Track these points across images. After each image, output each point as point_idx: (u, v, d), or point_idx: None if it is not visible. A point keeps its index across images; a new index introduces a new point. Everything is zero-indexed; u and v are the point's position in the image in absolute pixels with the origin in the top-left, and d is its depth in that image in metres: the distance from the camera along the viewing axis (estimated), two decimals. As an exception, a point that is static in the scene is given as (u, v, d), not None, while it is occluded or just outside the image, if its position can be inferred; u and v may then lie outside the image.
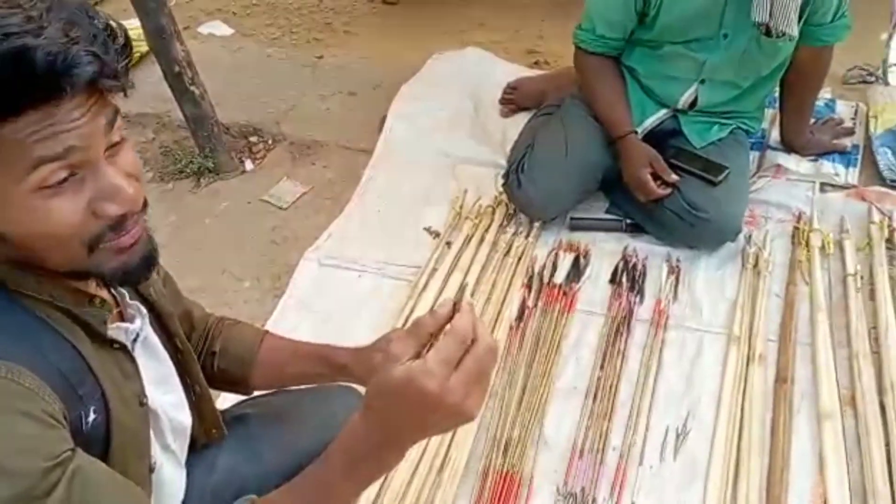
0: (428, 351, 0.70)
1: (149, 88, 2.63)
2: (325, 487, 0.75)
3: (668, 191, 1.91)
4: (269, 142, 2.55)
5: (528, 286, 1.96)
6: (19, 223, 0.67)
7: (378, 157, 2.40)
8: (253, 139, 2.56)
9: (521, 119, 2.40)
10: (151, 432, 0.90)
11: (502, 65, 2.73)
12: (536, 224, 2.10)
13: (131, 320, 0.87)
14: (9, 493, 0.63)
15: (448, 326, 0.68)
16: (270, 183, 2.37)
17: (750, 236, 2.01)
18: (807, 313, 1.84)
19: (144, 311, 0.90)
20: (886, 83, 2.48)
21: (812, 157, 2.19)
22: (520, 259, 2.03)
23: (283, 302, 1.97)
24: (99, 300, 0.80)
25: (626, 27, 1.91)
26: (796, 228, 2.04)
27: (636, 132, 1.98)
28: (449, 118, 2.51)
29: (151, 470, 0.90)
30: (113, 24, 0.69)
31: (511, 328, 1.86)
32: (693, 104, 2.01)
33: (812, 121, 2.23)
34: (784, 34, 1.75)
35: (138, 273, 0.76)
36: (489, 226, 2.14)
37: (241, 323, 1.20)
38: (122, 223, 0.72)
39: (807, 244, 1.98)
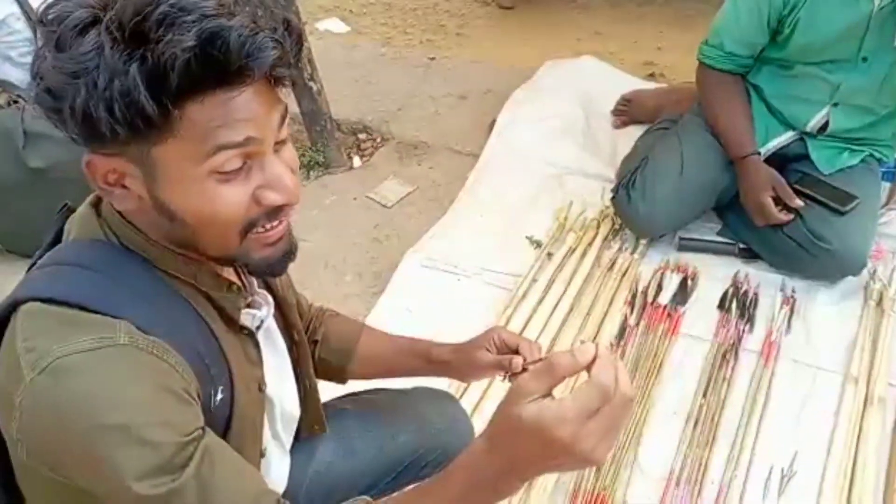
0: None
1: (267, 81, 2.71)
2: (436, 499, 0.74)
3: (790, 217, 1.83)
4: (378, 140, 2.58)
5: (631, 304, 1.91)
6: (191, 203, 0.70)
7: (485, 162, 2.39)
8: (362, 136, 2.60)
9: (633, 132, 2.35)
10: (266, 418, 0.92)
11: (617, 75, 2.68)
12: (643, 241, 2.05)
13: (258, 308, 0.89)
14: (148, 464, 0.66)
15: (588, 374, 0.64)
16: (376, 181, 2.41)
17: (875, 271, 1.90)
18: (934, 358, 1.72)
19: (271, 300, 0.92)
20: None
21: (949, 192, 2.06)
22: (623, 276, 1.98)
23: (382, 300, 1.99)
24: (236, 287, 0.83)
25: (757, 45, 1.85)
26: (927, 267, 1.91)
27: (759, 153, 1.89)
28: (559, 127, 2.47)
29: (262, 455, 0.93)
30: (290, 18, 0.71)
31: (611, 346, 1.81)
32: (823, 128, 1.91)
33: (952, 153, 2.09)
34: None
35: (279, 267, 0.80)
36: (593, 239, 2.09)
37: (341, 315, 1.22)
38: (277, 213, 0.74)
39: (938, 285, 1.86)
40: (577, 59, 2.75)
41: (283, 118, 0.73)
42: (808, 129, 1.92)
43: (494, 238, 2.14)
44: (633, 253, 2.03)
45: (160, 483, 0.66)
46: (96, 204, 0.78)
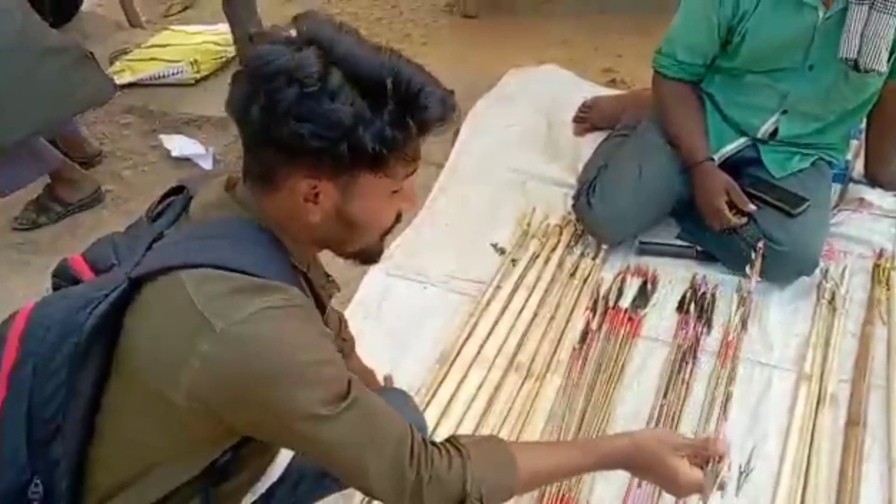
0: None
1: (233, 92, 2.72)
2: (573, 464, 1.08)
3: (744, 220, 1.88)
4: (345, 149, 2.59)
5: (593, 309, 1.94)
6: (371, 215, 0.93)
7: (449, 171, 2.43)
8: (329, 145, 2.61)
9: (595, 139, 2.39)
10: None
11: (578, 83, 2.73)
12: (604, 246, 2.09)
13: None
14: (331, 392, 0.87)
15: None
16: (344, 190, 2.42)
17: (827, 271, 1.96)
18: (883, 355, 1.78)
19: (333, 294, 1.14)
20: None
21: (897, 193, 2.12)
22: (585, 281, 2.02)
23: (349, 309, 2.00)
24: (332, 279, 1.09)
25: (708, 54, 1.90)
26: (877, 266, 1.98)
27: (713, 159, 1.95)
28: (522, 134, 2.52)
29: None
30: None
31: (573, 350, 1.84)
32: (774, 134, 1.97)
33: (899, 155, 2.16)
34: (873, 70, 1.70)
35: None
36: (556, 245, 2.13)
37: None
38: (400, 218, 0.99)
39: (887, 283, 1.92)
40: (538, 67, 2.80)
41: None
42: (759, 135, 1.98)
43: (460, 246, 2.17)
44: (594, 258, 2.07)
45: (336, 405, 0.86)
46: (229, 188, 0.95)
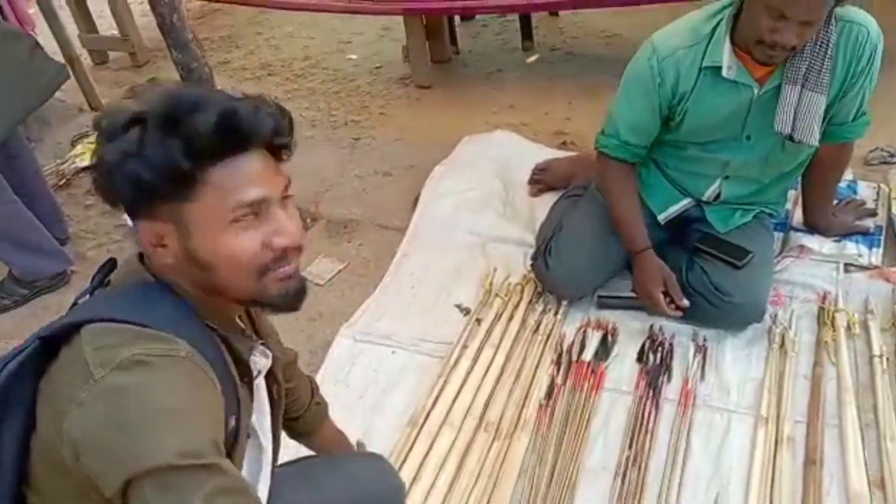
0: None
1: (195, 170, 2.77)
2: None
3: (678, 314, 1.96)
4: (308, 220, 2.66)
5: (557, 364, 2.00)
6: (217, 250, 0.88)
7: (411, 236, 2.50)
8: (292, 218, 2.67)
9: (550, 199, 2.48)
10: (247, 463, 1.04)
11: (531, 146, 2.84)
12: (564, 302, 2.15)
13: (263, 356, 1.06)
14: (187, 446, 0.78)
15: None
16: (308, 260, 2.47)
17: (776, 316, 2.03)
18: (834, 394, 1.84)
19: (270, 354, 1.08)
20: (908, 164, 2.52)
21: (835, 238, 2.22)
22: (548, 336, 2.08)
23: (318, 377, 2.03)
24: (248, 333, 1.03)
25: (651, 133, 1.94)
26: (821, 309, 2.06)
27: (651, 248, 2.00)
28: (479, 198, 2.60)
29: None
30: (281, 104, 0.94)
31: (540, 406, 1.89)
32: (717, 197, 2.05)
33: (834, 202, 2.27)
34: (805, 143, 1.80)
35: (295, 301, 0.95)
36: (518, 303, 2.20)
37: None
38: (286, 256, 0.91)
39: (832, 324, 2.00)
40: (491, 133, 2.91)
41: (286, 184, 0.93)
42: (704, 198, 2.05)
43: (425, 308, 2.23)
44: (556, 314, 2.14)
45: (191, 461, 0.78)
46: (141, 257, 0.96)
